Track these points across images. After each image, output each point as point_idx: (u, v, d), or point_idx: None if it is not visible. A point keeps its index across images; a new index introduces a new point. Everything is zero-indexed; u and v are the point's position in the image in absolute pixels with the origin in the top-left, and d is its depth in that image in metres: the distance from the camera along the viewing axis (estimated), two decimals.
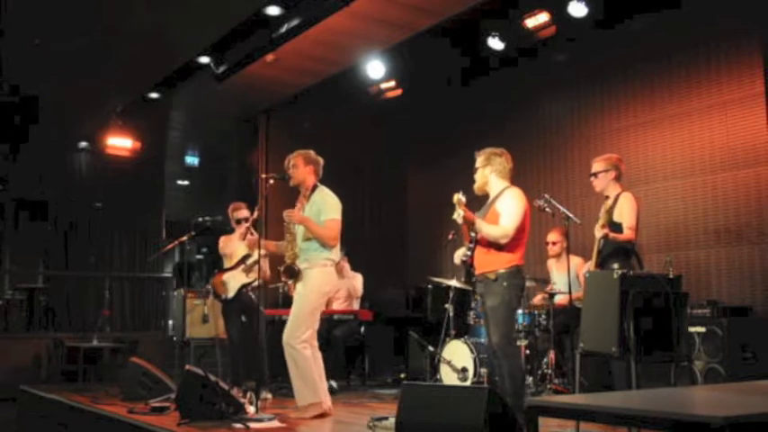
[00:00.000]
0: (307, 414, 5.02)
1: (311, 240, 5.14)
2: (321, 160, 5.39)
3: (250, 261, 6.29)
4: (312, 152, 5.39)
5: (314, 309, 5.11)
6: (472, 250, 4.60)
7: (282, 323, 5.36)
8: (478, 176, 4.73)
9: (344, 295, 7.63)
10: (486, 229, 4.54)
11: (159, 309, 10.68)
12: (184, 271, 9.24)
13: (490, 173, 4.69)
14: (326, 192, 5.28)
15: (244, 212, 6.56)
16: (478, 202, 4.83)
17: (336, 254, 5.24)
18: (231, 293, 6.41)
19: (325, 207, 5.17)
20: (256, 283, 6.23)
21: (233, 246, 6.55)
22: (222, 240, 6.71)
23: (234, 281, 6.42)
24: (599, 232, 4.89)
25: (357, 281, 7.74)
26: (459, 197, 4.48)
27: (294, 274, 5.12)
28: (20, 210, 10.60)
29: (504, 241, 4.49)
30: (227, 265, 6.57)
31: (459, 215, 4.48)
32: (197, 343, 7.41)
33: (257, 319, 6.29)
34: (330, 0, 6.32)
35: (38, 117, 8.61)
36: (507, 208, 4.56)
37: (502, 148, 4.80)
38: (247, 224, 6.42)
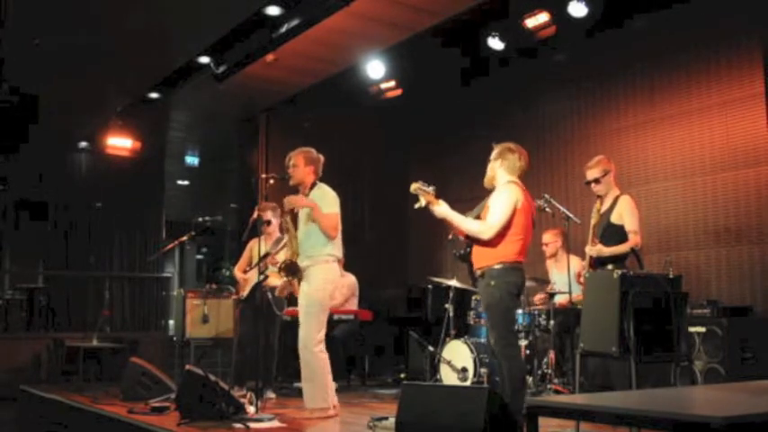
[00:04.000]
0: (312, 416, 5.02)
1: (312, 236, 5.14)
2: (322, 158, 5.39)
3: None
4: (313, 151, 5.39)
5: (322, 307, 5.10)
6: (470, 245, 4.58)
7: (293, 323, 5.36)
8: (489, 169, 4.67)
9: (347, 294, 7.61)
10: (461, 223, 4.47)
11: (159, 309, 10.68)
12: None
13: (499, 167, 4.62)
14: (325, 188, 5.29)
15: (267, 214, 6.62)
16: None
17: (338, 249, 5.24)
18: (245, 292, 6.59)
19: (324, 201, 5.17)
20: (271, 282, 6.27)
21: (258, 247, 6.69)
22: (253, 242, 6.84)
23: (250, 281, 6.54)
24: (591, 250, 4.86)
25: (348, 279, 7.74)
26: (416, 186, 4.48)
27: (295, 271, 5.11)
28: (20, 210, 10.59)
29: (485, 237, 4.39)
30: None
31: (420, 205, 4.47)
32: (197, 343, 7.41)
33: (266, 320, 6.34)
34: (330, 0, 6.31)
35: (38, 117, 8.60)
36: (495, 203, 4.46)
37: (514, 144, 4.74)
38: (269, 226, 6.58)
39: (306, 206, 5.14)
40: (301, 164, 5.30)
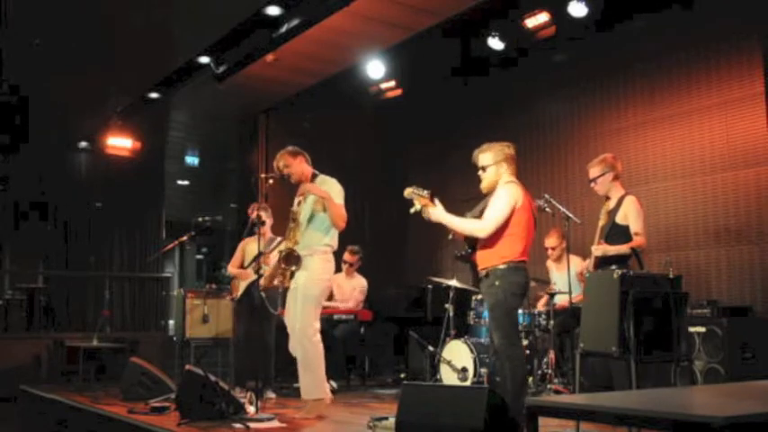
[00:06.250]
0: (311, 412, 5.03)
1: (312, 227, 5.18)
2: (305, 153, 5.42)
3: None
4: (291, 147, 5.41)
5: (320, 296, 5.17)
6: (472, 246, 4.54)
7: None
8: (491, 174, 4.51)
9: (360, 298, 7.63)
10: (457, 225, 4.43)
11: (159, 309, 10.68)
12: None
13: (505, 170, 4.51)
14: (330, 180, 5.31)
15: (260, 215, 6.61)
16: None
17: (335, 240, 5.27)
18: (239, 292, 6.59)
19: (331, 193, 5.18)
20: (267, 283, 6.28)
21: (250, 246, 6.71)
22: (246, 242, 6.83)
23: (244, 280, 6.55)
24: (597, 250, 4.81)
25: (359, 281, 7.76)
26: (410, 190, 4.46)
27: (294, 260, 5.11)
28: (20, 210, 10.58)
29: (481, 234, 4.35)
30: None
31: (416, 209, 4.44)
32: (197, 343, 7.42)
33: (262, 320, 6.33)
34: (330, 0, 6.32)
35: (37, 117, 8.61)
36: (494, 201, 4.40)
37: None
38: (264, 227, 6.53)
39: (321, 195, 5.15)
40: (291, 160, 5.32)
